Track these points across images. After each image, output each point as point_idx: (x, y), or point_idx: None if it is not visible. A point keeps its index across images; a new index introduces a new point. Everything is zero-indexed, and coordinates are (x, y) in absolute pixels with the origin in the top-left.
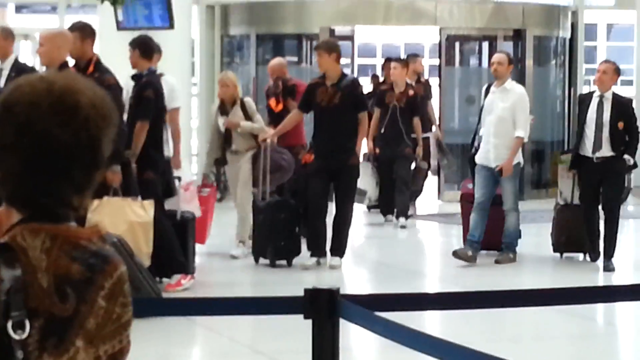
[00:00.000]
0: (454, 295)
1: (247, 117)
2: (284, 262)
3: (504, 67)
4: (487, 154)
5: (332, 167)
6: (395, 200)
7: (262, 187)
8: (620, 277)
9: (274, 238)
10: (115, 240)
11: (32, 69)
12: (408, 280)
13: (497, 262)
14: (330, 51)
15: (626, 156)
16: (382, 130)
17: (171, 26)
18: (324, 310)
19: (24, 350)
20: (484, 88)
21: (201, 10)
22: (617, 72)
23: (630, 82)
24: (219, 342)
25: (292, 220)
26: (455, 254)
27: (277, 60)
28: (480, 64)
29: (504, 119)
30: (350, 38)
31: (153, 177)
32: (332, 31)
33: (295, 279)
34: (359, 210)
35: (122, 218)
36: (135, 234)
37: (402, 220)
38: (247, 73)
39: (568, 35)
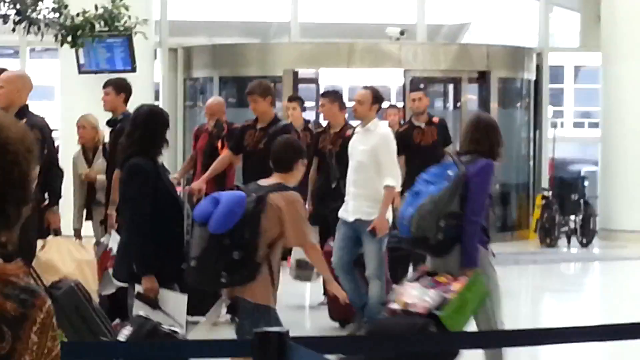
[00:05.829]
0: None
1: None
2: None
3: (365, 107)
4: (346, 206)
5: None
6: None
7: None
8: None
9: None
10: (72, 284)
11: None
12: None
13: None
14: (265, 95)
15: None
16: (318, 184)
17: (133, 69)
18: (274, 353)
19: None
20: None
21: (164, 53)
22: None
23: (596, 125)
24: None
25: None
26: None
27: (216, 100)
28: (445, 106)
29: (364, 165)
30: (314, 81)
31: None
32: (295, 74)
33: None
34: None
35: (69, 257)
36: (84, 272)
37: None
38: None
39: (533, 77)
